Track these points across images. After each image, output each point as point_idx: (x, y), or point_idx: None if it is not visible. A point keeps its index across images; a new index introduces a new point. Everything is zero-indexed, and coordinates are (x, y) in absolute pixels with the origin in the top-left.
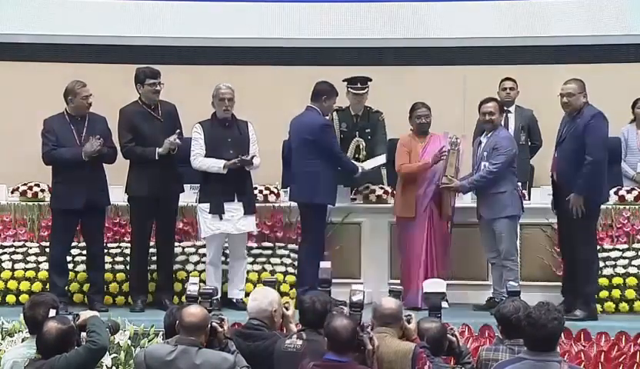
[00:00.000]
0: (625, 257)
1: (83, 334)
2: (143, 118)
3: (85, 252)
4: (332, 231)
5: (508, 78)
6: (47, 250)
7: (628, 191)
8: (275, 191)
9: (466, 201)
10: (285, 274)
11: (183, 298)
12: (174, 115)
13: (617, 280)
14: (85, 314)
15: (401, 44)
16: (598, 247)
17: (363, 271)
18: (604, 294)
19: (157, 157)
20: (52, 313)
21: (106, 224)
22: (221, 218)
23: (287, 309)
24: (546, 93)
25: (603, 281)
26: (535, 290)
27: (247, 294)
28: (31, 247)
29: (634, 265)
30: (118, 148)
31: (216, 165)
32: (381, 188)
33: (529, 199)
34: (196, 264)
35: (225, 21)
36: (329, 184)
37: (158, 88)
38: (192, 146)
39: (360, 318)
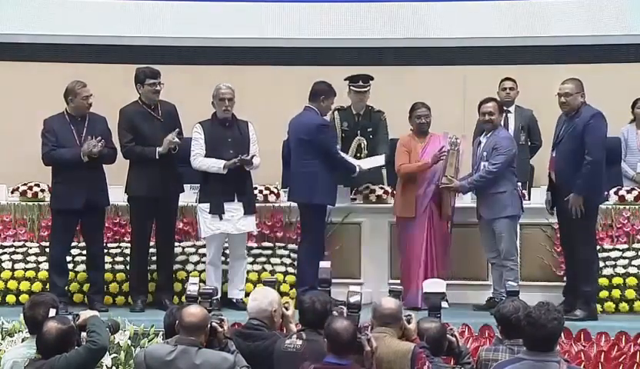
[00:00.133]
0: (625, 257)
1: (83, 334)
2: (143, 117)
3: (85, 252)
4: (332, 231)
5: (507, 78)
6: (47, 250)
7: (628, 191)
8: (275, 191)
9: (466, 201)
10: (285, 274)
11: (183, 298)
12: (174, 115)
13: (617, 280)
14: (85, 314)
15: (401, 44)
16: (598, 247)
17: (363, 271)
18: (604, 294)
19: (157, 157)
20: (52, 313)
21: (106, 224)
22: (221, 218)
23: (287, 309)
24: (546, 93)
25: (603, 281)
26: (534, 290)
27: (247, 294)
28: (31, 247)
29: (634, 265)
30: (118, 148)
31: (216, 165)
32: (381, 188)
33: (529, 199)
34: (196, 264)
35: (225, 21)
36: (328, 184)
37: (158, 88)
38: (192, 146)
39: (358, 320)
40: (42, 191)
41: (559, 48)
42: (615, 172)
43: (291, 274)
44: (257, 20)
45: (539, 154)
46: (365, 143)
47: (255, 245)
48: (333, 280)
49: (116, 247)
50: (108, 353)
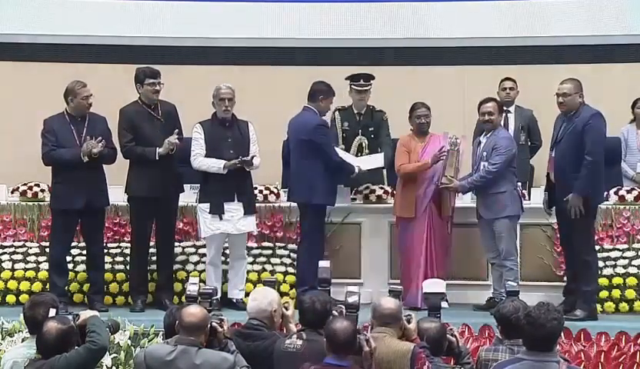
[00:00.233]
0: (625, 257)
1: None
2: (143, 117)
3: (85, 252)
4: (332, 231)
5: (507, 78)
6: (47, 250)
7: (628, 191)
8: (275, 191)
9: (466, 201)
10: (285, 274)
11: (183, 298)
12: (174, 115)
13: (617, 280)
14: (85, 314)
15: (401, 44)
16: (598, 247)
17: (363, 271)
18: (604, 294)
19: (157, 158)
20: (52, 313)
21: (106, 224)
22: (221, 218)
23: (287, 309)
24: (546, 93)
25: (603, 281)
26: (534, 290)
27: (247, 294)
28: (31, 247)
29: (634, 265)
30: (118, 148)
31: (216, 165)
32: (381, 188)
33: (529, 199)
34: (196, 264)
35: (225, 21)
36: (327, 185)
37: (158, 87)
38: (192, 146)
39: (356, 320)
40: (42, 191)
41: (559, 48)
42: (615, 172)
43: (291, 274)
44: (257, 20)
45: (539, 154)
46: (367, 142)
47: (255, 245)
48: (333, 280)
49: (116, 247)
50: (108, 353)
